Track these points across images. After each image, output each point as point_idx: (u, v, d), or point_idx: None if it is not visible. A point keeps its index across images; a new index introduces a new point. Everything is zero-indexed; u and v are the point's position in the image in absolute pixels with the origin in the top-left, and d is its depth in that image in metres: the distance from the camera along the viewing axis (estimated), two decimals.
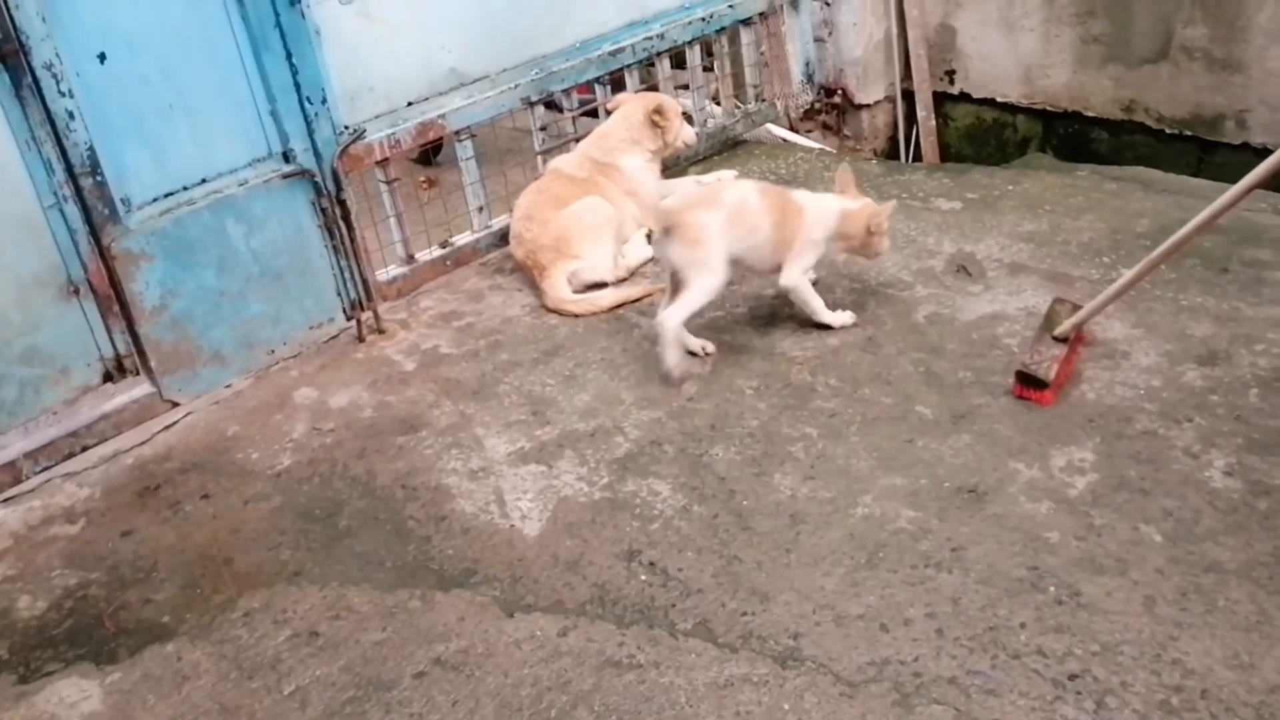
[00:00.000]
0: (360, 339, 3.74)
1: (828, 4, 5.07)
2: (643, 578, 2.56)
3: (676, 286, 3.28)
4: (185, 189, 3.33)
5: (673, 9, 4.60)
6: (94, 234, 3.17)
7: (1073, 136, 4.83)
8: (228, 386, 3.54)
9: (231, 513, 2.99)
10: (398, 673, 2.40)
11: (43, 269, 3.15)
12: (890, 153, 5.37)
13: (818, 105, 5.30)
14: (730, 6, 4.77)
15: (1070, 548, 2.48)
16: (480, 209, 4.24)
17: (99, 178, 3.12)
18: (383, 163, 3.85)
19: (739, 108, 5.10)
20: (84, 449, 3.29)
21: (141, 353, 3.36)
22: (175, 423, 3.40)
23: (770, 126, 5.10)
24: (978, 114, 5.16)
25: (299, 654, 2.48)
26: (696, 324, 3.43)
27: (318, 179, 3.55)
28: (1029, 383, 2.97)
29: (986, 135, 5.17)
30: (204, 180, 3.36)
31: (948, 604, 2.37)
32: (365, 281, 3.75)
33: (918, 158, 5.07)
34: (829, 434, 2.97)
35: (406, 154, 4.24)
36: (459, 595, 2.59)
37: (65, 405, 3.29)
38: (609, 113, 4.25)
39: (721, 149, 4.93)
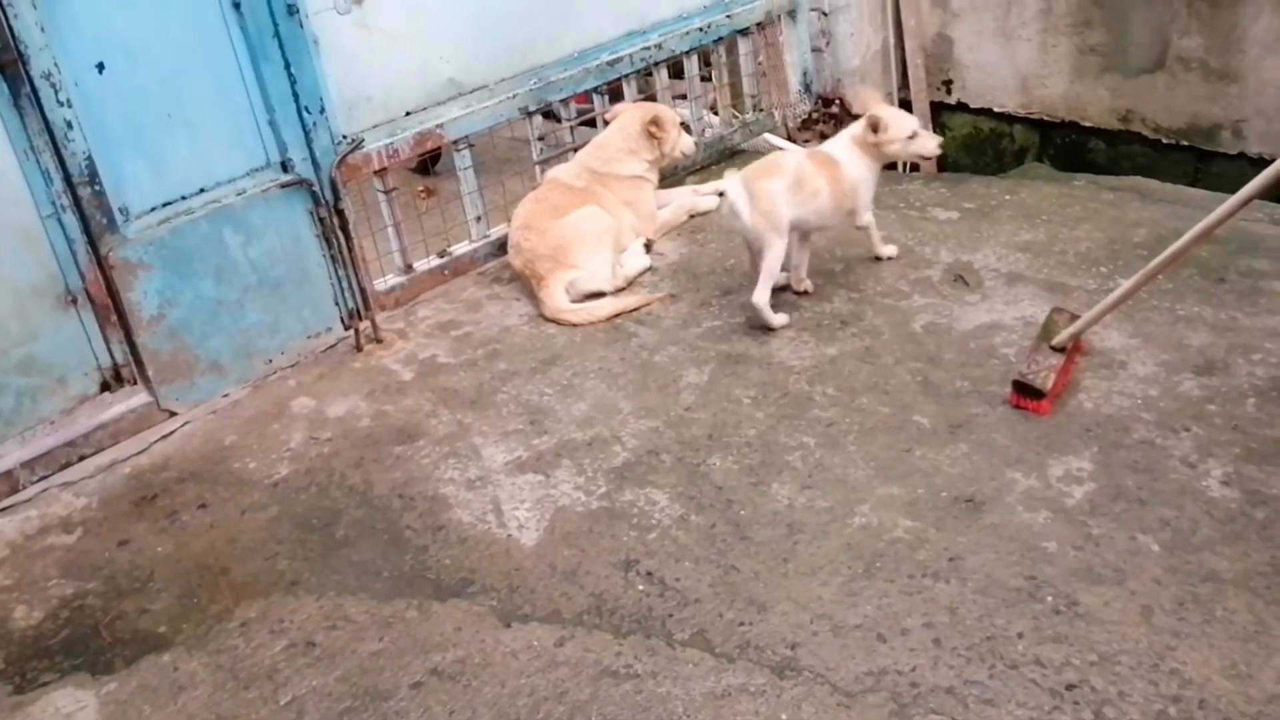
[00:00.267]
0: (358, 348, 3.74)
1: (825, 14, 5.09)
2: (640, 587, 2.56)
3: (755, 252, 3.55)
4: (183, 198, 3.34)
5: (670, 19, 4.61)
6: (92, 244, 3.18)
7: (1070, 146, 4.84)
8: (225, 396, 3.53)
9: (228, 522, 2.98)
10: (394, 683, 2.39)
11: (41, 278, 3.15)
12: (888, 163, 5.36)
13: (815, 115, 5.31)
14: (728, 17, 4.79)
15: (1068, 557, 2.48)
16: (478, 218, 4.25)
17: (97, 187, 3.13)
18: (381, 172, 3.86)
19: (737, 117, 5.11)
20: (81, 458, 3.29)
21: (139, 362, 3.36)
22: (173, 432, 3.40)
23: (768, 136, 5.11)
24: (975, 124, 5.17)
25: (296, 664, 2.48)
26: (694, 333, 3.43)
27: (316, 188, 3.56)
28: (1026, 392, 2.97)
29: (984, 145, 5.18)
30: (202, 190, 3.37)
31: (945, 614, 2.37)
32: (363, 291, 3.76)
33: (915, 167, 5.07)
34: (826, 443, 2.97)
35: (405, 163, 4.25)
36: (456, 605, 2.59)
37: (63, 415, 3.29)
38: (607, 123, 4.26)
39: (719, 159, 4.94)
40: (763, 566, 2.57)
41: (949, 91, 5.17)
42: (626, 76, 4.52)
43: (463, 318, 3.89)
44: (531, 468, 3.03)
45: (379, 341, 3.77)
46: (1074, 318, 3.07)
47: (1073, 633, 2.28)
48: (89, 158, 3.09)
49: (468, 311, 3.93)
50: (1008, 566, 2.47)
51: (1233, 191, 2.60)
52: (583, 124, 4.58)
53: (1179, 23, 4.29)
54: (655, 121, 4.14)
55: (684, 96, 4.89)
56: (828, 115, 5.32)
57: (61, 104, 3.00)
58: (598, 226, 3.90)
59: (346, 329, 3.76)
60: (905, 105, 5.22)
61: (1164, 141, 4.50)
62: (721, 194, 3.50)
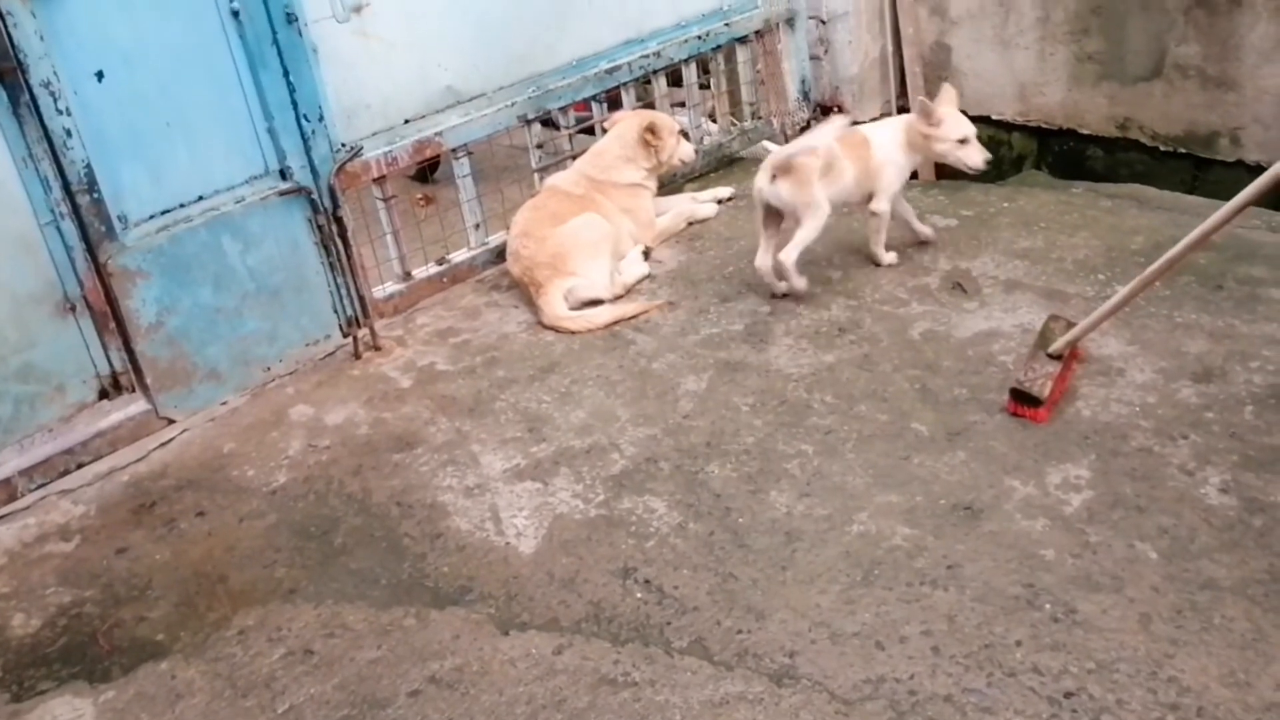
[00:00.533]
0: (356, 356, 3.74)
1: (823, 22, 5.10)
2: (638, 595, 2.56)
3: (773, 230, 3.68)
4: (182, 206, 3.34)
5: (669, 27, 4.62)
6: (90, 251, 3.18)
7: (1068, 154, 4.85)
8: (223, 403, 3.53)
9: (226, 530, 2.98)
10: (392, 691, 2.39)
11: (39, 286, 3.15)
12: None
13: (814, 122, 5.31)
14: (726, 25, 4.80)
15: (1066, 565, 2.48)
16: (477, 226, 4.25)
17: (96, 195, 3.13)
18: (379, 180, 3.86)
19: (735, 125, 5.12)
20: (79, 466, 3.29)
21: (137, 370, 3.36)
22: (171, 440, 3.40)
23: (766, 144, 5.09)
24: None
25: (293, 672, 2.48)
26: (693, 341, 3.43)
27: (314, 196, 3.56)
28: (1023, 400, 2.97)
29: None
30: (201, 197, 3.37)
31: (943, 621, 2.37)
32: (362, 298, 3.76)
33: (913, 175, 5.08)
34: (825, 451, 2.97)
35: (403, 171, 4.26)
36: (454, 613, 2.58)
37: (61, 422, 3.29)
38: (605, 130, 4.27)
39: (718, 166, 4.95)
40: (761, 574, 2.57)
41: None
42: (625, 84, 4.53)
43: (461, 325, 3.89)
44: (530, 475, 3.03)
45: (377, 349, 3.77)
46: (1070, 325, 3.08)
47: (1071, 640, 2.28)
48: (88, 166, 3.09)
49: (466, 319, 3.94)
50: (1006, 574, 2.47)
51: (1230, 199, 2.60)
52: (581, 132, 4.59)
53: (1176, 31, 4.30)
54: (653, 129, 4.15)
55: (682, 104, 4.89)
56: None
57: (60, 112, 3.01)
58: (596, 234, 3.91)
59: (345, 336, 3.76)
60: (903, 113, 5.23)
61: (1162, 149, 4.51)
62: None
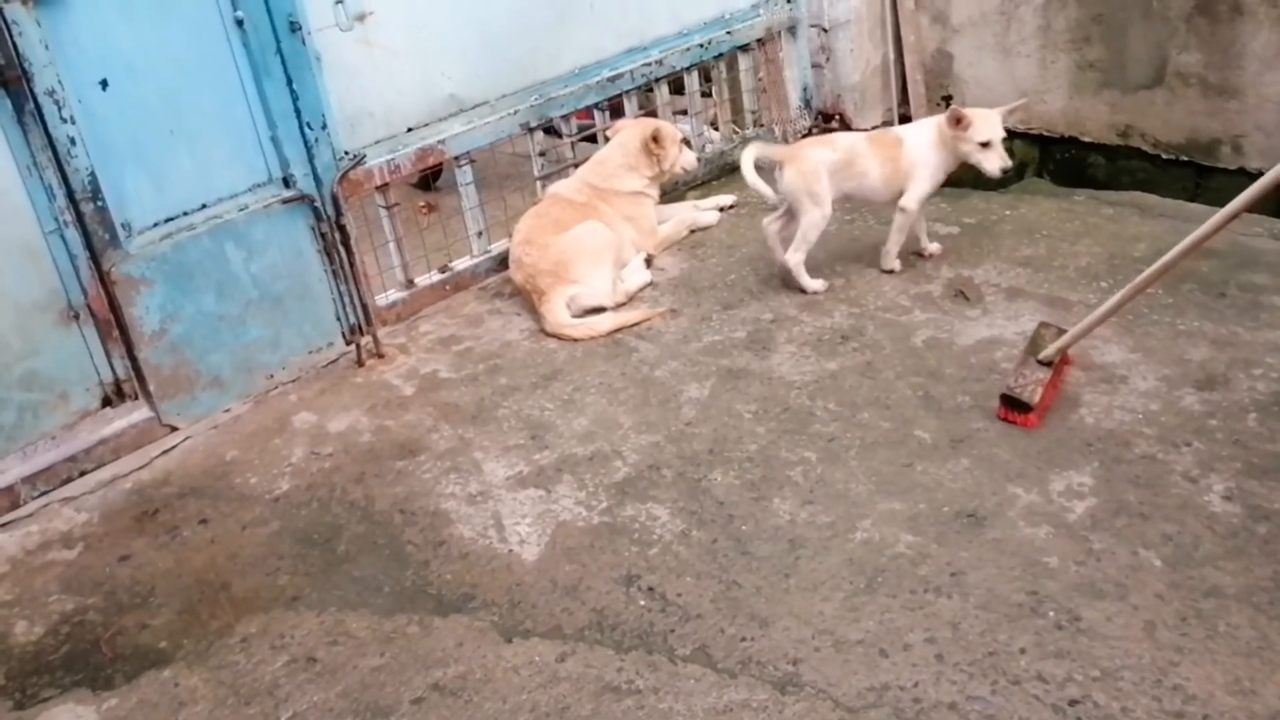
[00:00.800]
0: (359, 363, 3.74)
1: (825, 30, 5.11)
2: (641, 603, 2.56)
3: (789, 214, 3.83)
4: (185, 214, 3.35)
5: (671, 35, 4.63)
6: (94, 259, 3.19)
7: (1069, 162, 4.85)
8: (226, 411, 3.54)
9: (229, 538, 2.98)
10: (395, 698, 2.38)
11: (43, 294, 3.15)
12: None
13: (815, 130, 5.32)
14: (728, 33, 4.81)
15: (1070, 572, 2.47)
16: (479, 234, 4.26)
17: (100, 203, 3.14)
18: (382, 188, 3.87)
19: (737, 133, 5.13)
20: (82, 474, 3.29)
21: (140, 377, 3.36)
22: (174, 447, 3.40)
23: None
24: None
25: (296, 680, 2.47)
26: (695, 348, 3.43)
27: (317, 204, 3.56)
28: (1014, 405, 2.98)
29: None
30: (204, 205, 3.38)
31: (947, 629, 2.37)
32: (364, 306, 3.76)
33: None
34: (828, 458, 2.97)
35: (406, 179, 4.26)
36: (457, 620, 2.58)
37: (64, 430, 3.29)
38: (608, 139, 4.27)
39: (720, 174, 4.96)
40: (764, 582, 2.57)
41: (948, 107, 5.18)
42: (627, 92, 4.54)
43: (464, 333, 3.90)
44: (532, 483, 3.03)
45: (380, 356, 3.77)
46: (1060, 332, 3.08)
47: (1075, 648, 2.28)
48: (92, 174, 3.10)
49: (469, 326, 3.94)
50: (1009, 582, 2.47)
51: None
52: (584, 140, 4.60)
53: (1178, 39, 4.31)
54: (655, 137, 4.16)
55: (685, 112, 4.91)
56: (827, 131, 5.33)
57: (65, 120, 3.01)
58: (599, 242, 3.91)
59: (348, 344, 3.76)
60: (905, 121, 5.24)
61: (1163, 157, 4.51)
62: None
